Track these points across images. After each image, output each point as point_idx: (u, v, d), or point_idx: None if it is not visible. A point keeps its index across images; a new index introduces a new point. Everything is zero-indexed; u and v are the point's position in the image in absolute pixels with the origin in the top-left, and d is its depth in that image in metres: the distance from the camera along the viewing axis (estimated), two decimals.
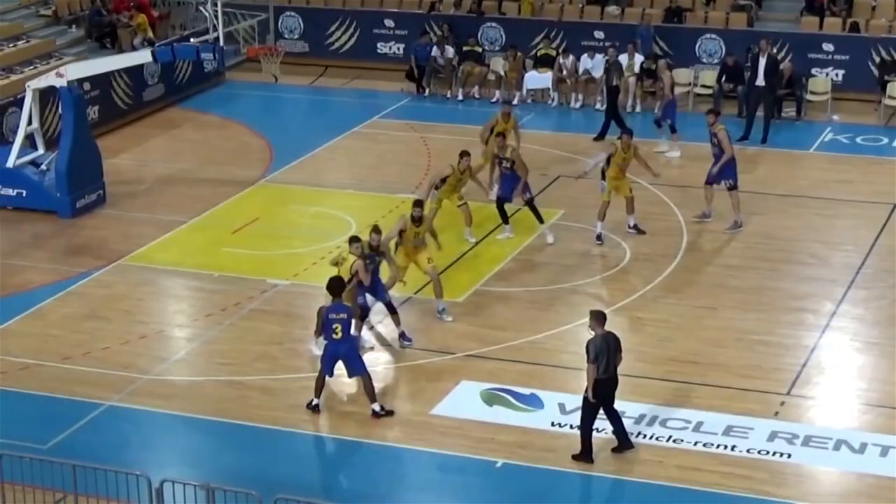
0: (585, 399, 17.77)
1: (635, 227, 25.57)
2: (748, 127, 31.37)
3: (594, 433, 18.07)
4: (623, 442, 18.16)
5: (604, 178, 25.65)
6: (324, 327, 19.11)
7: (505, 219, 25.59)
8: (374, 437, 18.83)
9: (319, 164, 29.91)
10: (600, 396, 17.72)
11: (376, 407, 19.26)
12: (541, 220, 25.41)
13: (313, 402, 19.40)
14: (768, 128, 31.30)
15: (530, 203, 25.42)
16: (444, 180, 25.09)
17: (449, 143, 30.13)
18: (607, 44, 35.36)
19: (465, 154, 25.15)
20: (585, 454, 17.92)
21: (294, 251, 24.99)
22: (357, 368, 19.28)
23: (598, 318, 17.82)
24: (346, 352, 19.15)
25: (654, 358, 20.84)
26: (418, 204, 22.37)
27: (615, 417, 18.07)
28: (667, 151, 30.34)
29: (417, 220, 22.19)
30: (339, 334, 18.99)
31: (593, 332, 17.75)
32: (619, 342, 17.85)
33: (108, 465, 15.72)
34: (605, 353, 17.54)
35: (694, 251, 24.96)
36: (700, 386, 19.73)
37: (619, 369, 18.13)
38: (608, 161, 25.33)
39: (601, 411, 17.90)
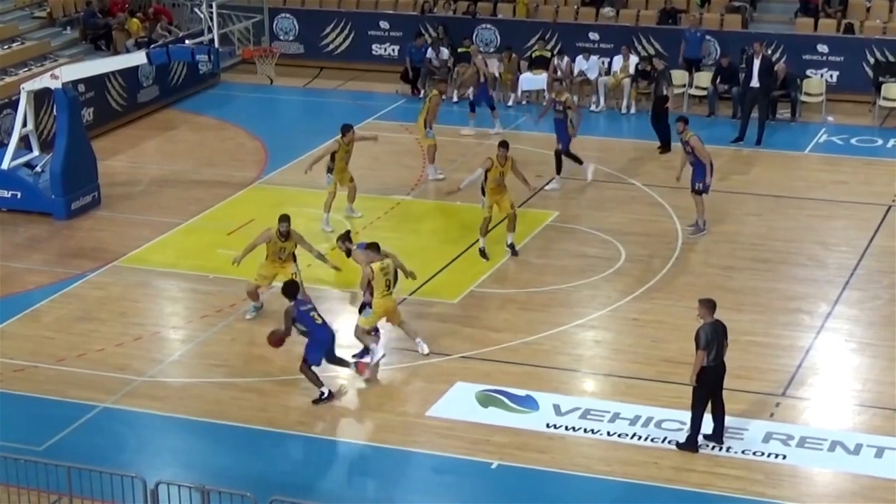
0: (694, 388, 17.96)
1: (511, 246, 24.74)
2: (743, 128, 31.37)
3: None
4: (716, 436, 18.22)
5: (483, 193, 24.76)
6: (301, 320, 19.54)
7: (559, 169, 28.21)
8: (368, 438, 18.84)
9: (314, 165, 29.82)
10: (710, 384, 17.91)
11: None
12: (558, 171, 28.32)
13: (324, 394, 19.59)
14: (763, 129, 31.30)
15: (567, 152, 28.13)
16: (332, 158, 26.03)
17: (443, 144, 30.08)
18: (603, 45, 35.48)
19: (348, 127, 26.19)
20: (691, 443, 18.07)
21: None
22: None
23: (709, 305, 17.99)
24: (332, 336, 19.81)
25: (650, 359, 20.85)
26: (285, 219, 22.31)
27: (721, 407, 18.18)
28: (470, 133, 31.74)
29: (284, 236, 22.25)
30: (320, 319, 19.65)
31: (702, 321, 17.90)
32: (726, 330, 18.05)
33: (102, 466, 15.72)
34: (715, 340, 17.76)
35: (689, 252, 24.96)
36: None
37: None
38: (485, 176, 24.57)
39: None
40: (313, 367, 19.67)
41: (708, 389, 17.95)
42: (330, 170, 26.21)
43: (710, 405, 18.12)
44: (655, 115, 30.93)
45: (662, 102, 30.85)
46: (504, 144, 25.01)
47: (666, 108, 30.80)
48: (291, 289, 19.95)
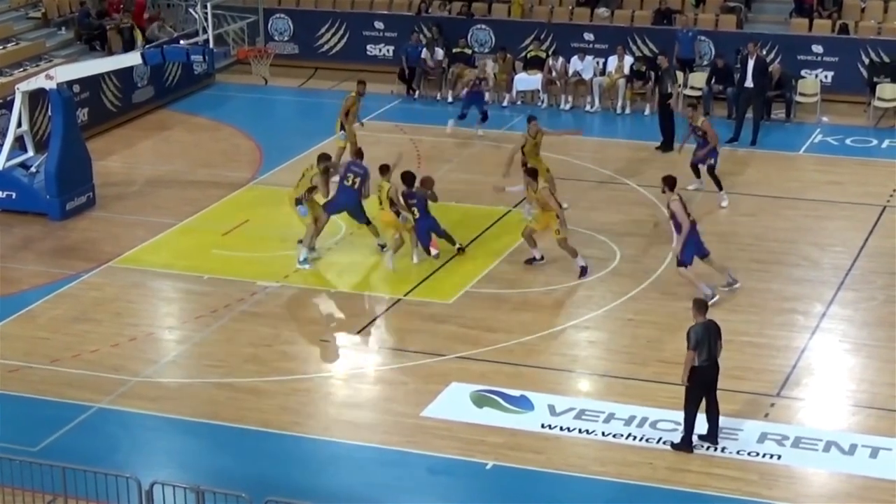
0: (687, 388, 17.98)
1: (535, 259, 24.29)
2: (737, 128, 31.39)
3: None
4: (710, 436, 18.22)
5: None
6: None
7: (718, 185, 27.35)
8: (363, 438, 18.82)
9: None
10: (702, 384, 17.91)
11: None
12: (720, 188, 27.29)
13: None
14: (758, 129, 31.33)
15: (711, 171, 27.15)
16: (523, 152, 26.47)
17: (438, 145, 30.12)
18: (597, 46, 35.51)
19: (531, 118, 27.12)
20: (685, 443, 18.08)
21: (284, 253, 24.99)
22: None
23: (700, 306, 18.06)
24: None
25: (644, 359, 20.86)
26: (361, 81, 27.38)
27: (715, 407, 18.18)
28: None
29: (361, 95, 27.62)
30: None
31: (694, 321, 17.93)
32: (720, 330, 18.06)
33: (97, 467, 15.69)
34: (706, 340, 17.76)
35: None
36: None
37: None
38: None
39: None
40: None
41: (700, 389, 17.95)
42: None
43: (704, 405, 18.13)
44: (661, 114, 30.95)
45: (666, 100, 30.88)
46: (532, 173, 24.68)
47: (669, 104, 30.83)
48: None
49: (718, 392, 18.19)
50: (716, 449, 18.17)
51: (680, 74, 33.97)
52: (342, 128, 28.79)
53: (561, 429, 18.82)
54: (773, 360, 20.86)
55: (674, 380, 19.53)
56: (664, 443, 18.35)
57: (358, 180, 24.70)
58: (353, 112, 28.96)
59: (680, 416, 18.28)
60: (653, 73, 33.59)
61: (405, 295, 23.12)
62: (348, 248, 25.35)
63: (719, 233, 25.91)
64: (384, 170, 24.53)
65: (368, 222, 24.82)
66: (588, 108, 34.34)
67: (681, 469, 17.82)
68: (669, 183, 22.93)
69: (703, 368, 17.81)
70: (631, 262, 24.53)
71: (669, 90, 31.02)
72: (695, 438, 18.15)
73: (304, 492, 17.08)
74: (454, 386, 20.11)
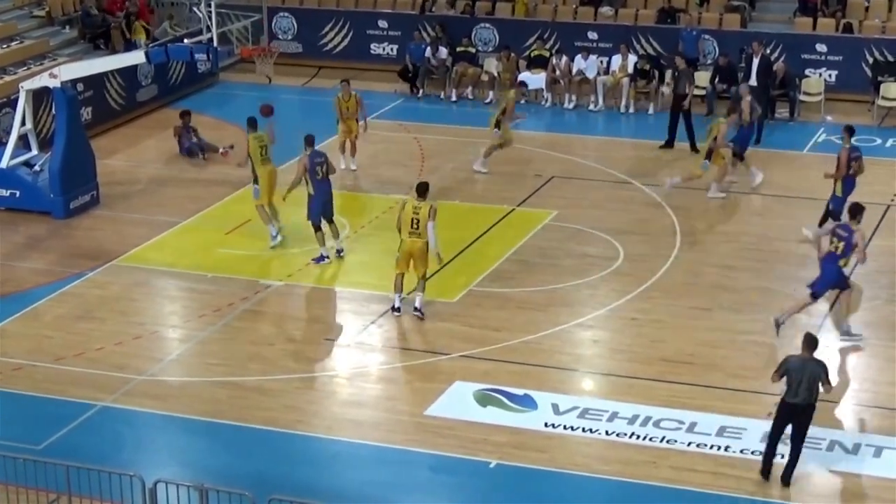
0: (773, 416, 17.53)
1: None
2: None
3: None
4: (785, 474, 17.49)
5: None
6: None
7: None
8: (367, 437, 18.83)
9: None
10: (784, 418, 17.31)
11: None
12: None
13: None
14: (762, 128, 31.28)
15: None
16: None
17: (442, 143, 30.09)
18: (601, 44, 35.50)
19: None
20: (764, 470, 17.53)
21: (287, 252, 25.00)
22: None
23: (809, 342, 17.33)
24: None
25: (648, 358, 20.85)
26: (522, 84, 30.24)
27: (798, 447, 17.44)
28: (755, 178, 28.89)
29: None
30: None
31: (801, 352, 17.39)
32: (823, 371, 17.20)
33: (101, 465, 15.71)
34: (798, 375, 17.09)
35: (688, 252, 24.95)
36: (694, 386, 19.75)
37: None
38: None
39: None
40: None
41: (781, 421, 17.36)
42: None
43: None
44: (672, 113, 30.94)
45: (679, 100, 30.86)
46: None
47: (682, 105, 30.80)
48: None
49: (721, 390, 18.23)
50: (720, 448, 18.17)
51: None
52: (497, 125, 28.77)
53: (564, 428, 18.82)
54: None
55: (676, 379, 19.59)
56: (668, 442, 18.35)
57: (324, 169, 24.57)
58: (509, 111, 28.94)
59: (683, 414, 18.39)
60: (657, 72, 33.61)
61: (408, 294, 23.12)
62: (351, 247, 25.34)
63: (723, 231, 25.94)
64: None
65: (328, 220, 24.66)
66: (592, 106, 34.33)
67: (684, 468, 17.82)
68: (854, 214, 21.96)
69: (790, 406, 17.18)
70: (634, 261, 24.52)
71: (686, 90, 30.99)
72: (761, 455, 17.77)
73: (307, 490, 17.08)
74: (458, 385, 20.12)
